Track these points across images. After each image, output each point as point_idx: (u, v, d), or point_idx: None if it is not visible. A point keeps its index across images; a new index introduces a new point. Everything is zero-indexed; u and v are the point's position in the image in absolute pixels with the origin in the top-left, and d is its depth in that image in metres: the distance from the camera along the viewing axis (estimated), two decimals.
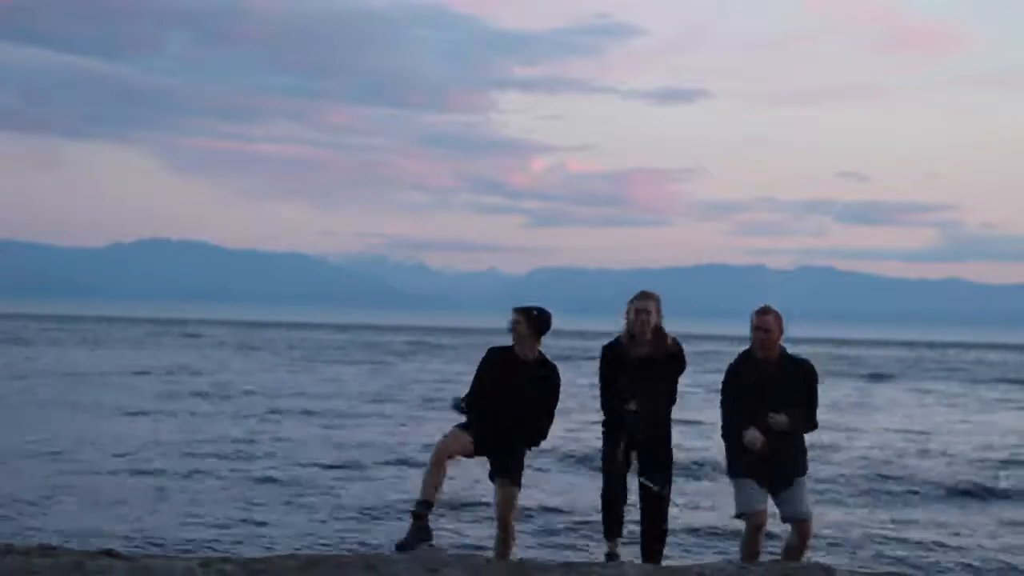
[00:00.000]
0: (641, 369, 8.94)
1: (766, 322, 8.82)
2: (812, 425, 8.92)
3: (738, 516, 8.96)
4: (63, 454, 18.68)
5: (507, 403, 9.03)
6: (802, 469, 8.92)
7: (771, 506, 8.88)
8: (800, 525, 8.93)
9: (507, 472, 9.09)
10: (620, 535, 8.95)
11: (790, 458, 8.84)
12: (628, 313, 9.01)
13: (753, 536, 8.91)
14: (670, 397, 9.07)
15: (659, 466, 9.01)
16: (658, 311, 9.00)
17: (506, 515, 9.12)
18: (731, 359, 9.11)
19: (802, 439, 8.96)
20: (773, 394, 8.73)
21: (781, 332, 8.88)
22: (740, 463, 8.86)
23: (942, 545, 13.06)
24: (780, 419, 8.70)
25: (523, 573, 8.36)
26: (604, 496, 9.06)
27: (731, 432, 8.84)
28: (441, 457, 8.92)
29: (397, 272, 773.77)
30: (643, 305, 8.98)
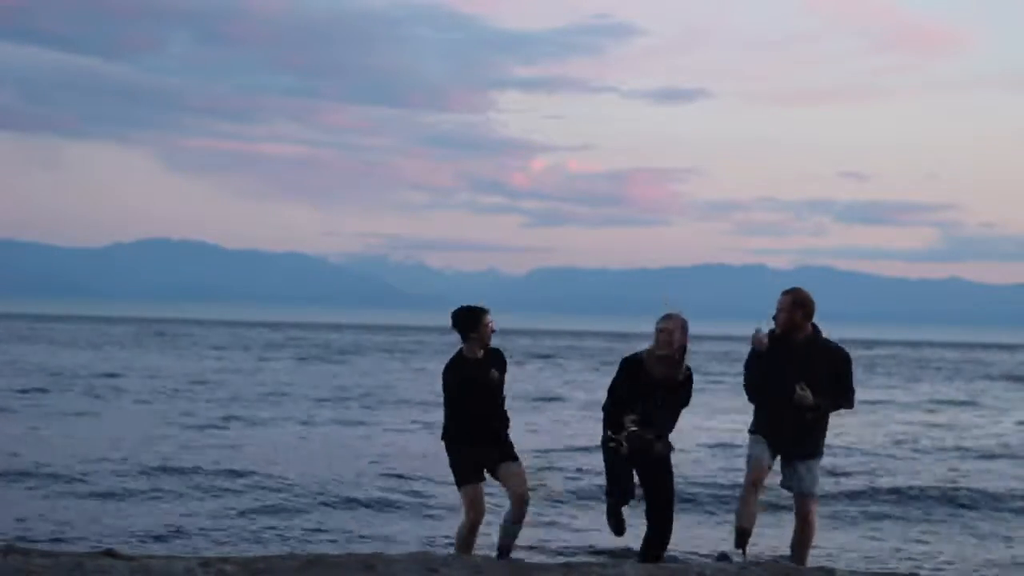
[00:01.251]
0: (655, 389, 8.94)
1: (779, 302, 9.01)
2: (847, 405, 9.07)
3: (747, 460, 9.14)
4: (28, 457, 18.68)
5: (486, 407, 9.15)
6: (818, 452, 9.04)
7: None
8: (801, 500, 8.99)
9: (509, 453, 9.21)
10: (624, 501, 8.95)
11: (808, 435, 8.97)
12: (663, 333, 8.96)
13: (750, 489, 9.05)
14: (673, 421, 9.10)
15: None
16: (683, 331, 8.92)
17: (524, 491, 9.23)
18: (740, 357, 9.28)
19: (826, 422, 9.07)
20: (793, 373, 8.84)
21: (804, 315, 8.98)
22: (757, 421, 9.12)
23: (936, 550, 13.05)
24: (806, 395, 8.81)
25: (523, 573, 8.37)
26: (607, 468, 9.04)
27: (753, 393, 9.09)
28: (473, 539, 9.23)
29: (397, 272, 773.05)
30: (665, 325, 8.95)
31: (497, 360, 9.28)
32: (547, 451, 20.67)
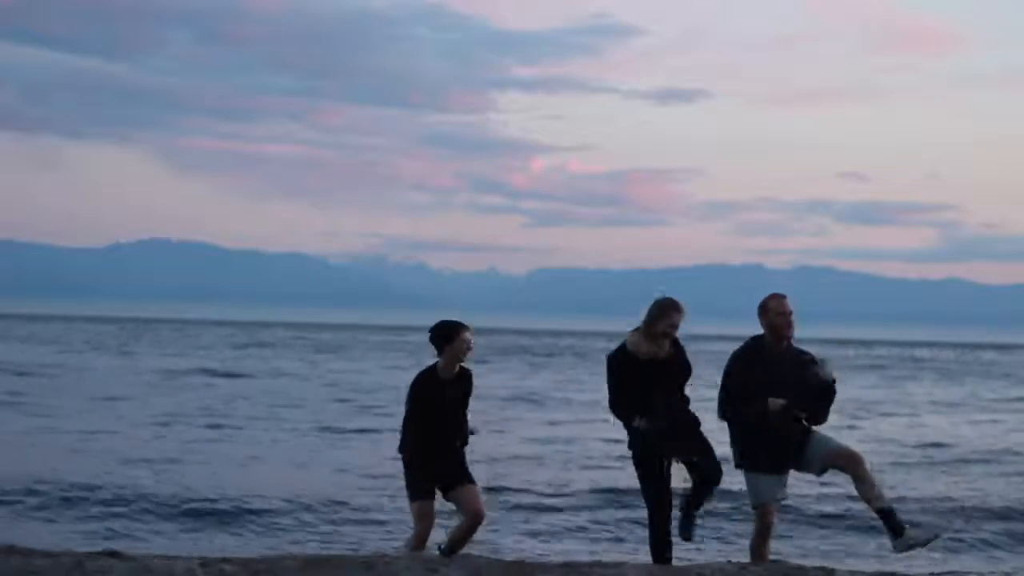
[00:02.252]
0: (651, 371, 8.70)
1: (783, 306, 8.73)
2: (824, 417, 8.90)
3: (753, 507, 8.89)
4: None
5: (448, 425, 8.99)
6: (805, 430, 8.82)
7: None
8: (839, 454, 8.77)
9: (466, 476, 9.05)
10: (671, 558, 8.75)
11: (794, 433, 8.76)
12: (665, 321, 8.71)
13: (764, 530, 8.85)
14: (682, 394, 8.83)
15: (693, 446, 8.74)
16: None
17: (480, 508, 9.06)
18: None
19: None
20: (780, 384, 8.64)
21: None
22: (749, 458, 8.76)
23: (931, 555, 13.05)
24: (777, 402, 8.60)
25: (523, 573, 8.38)
26: (652, 529, 8.82)
27: (739, 418, 8.73)
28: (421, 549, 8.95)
29: (397, 272, 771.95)
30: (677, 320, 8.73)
31: (466, 382, 9.07)
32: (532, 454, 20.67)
